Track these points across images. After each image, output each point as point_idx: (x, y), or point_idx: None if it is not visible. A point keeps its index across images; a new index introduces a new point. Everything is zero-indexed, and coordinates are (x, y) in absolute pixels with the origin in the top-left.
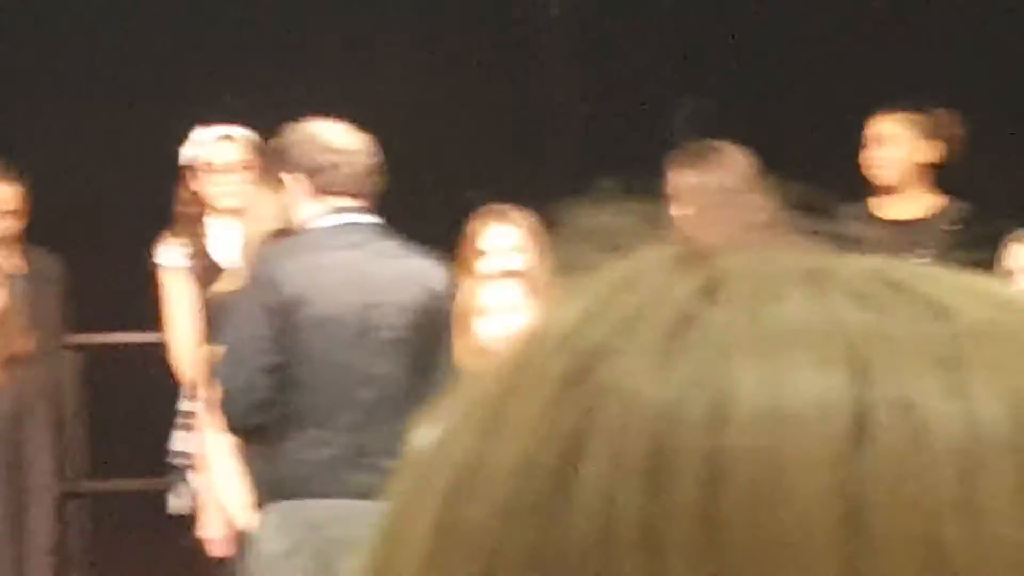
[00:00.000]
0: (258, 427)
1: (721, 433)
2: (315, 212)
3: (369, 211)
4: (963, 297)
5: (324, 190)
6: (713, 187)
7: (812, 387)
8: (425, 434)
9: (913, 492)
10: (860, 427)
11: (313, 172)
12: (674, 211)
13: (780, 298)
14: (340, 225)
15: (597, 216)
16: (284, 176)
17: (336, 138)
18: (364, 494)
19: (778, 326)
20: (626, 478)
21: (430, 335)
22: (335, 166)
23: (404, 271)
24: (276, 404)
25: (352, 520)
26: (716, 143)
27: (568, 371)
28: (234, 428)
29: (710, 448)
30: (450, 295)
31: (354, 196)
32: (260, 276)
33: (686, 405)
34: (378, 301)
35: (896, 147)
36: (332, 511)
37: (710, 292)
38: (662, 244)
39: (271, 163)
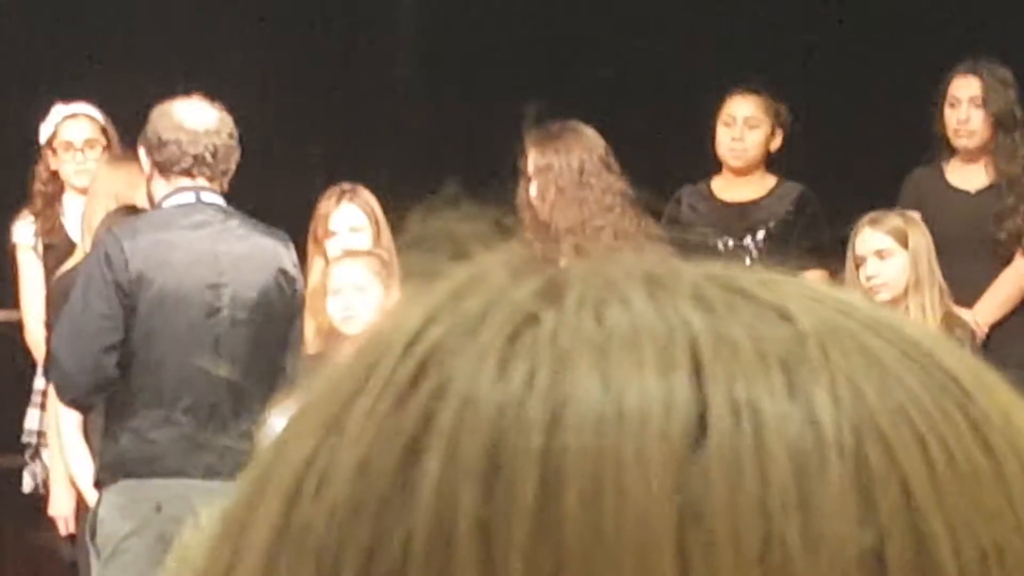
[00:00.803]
0: (97, 405)
1: (559, 433)
2: (164, 191)
3: (219, 190)
4: (803, 301)
5: (172, 169)
6: (568, 167)
7: (652, 388)
8: (272, 428)
9: (749, 492)
10: (699, 427)
11: (161, 150)
12: (531, 190)
13: (621, 301)
14: (187, 204)
15: (443, 221)
16: (140, 154)
17: (188, 117)
18: (207, 474)
19: (619, 328)
20: (464, 479)
21: (279, 315)
22: (183, 145)
23: (251, 250)
24: (115, 382)
25: (195, 500)
26: (572, 123)
27: (408, 373)
28: (73, 406)
29: (547, 448)
30: (299, 275)
31: (203, 176)
32: (104, 254)
33: (524, 405)
34: (224, 281)
35: (754, 130)
36: (175, 491)
37: (551, 295)
38: (506, 249)
39: (116, 140)
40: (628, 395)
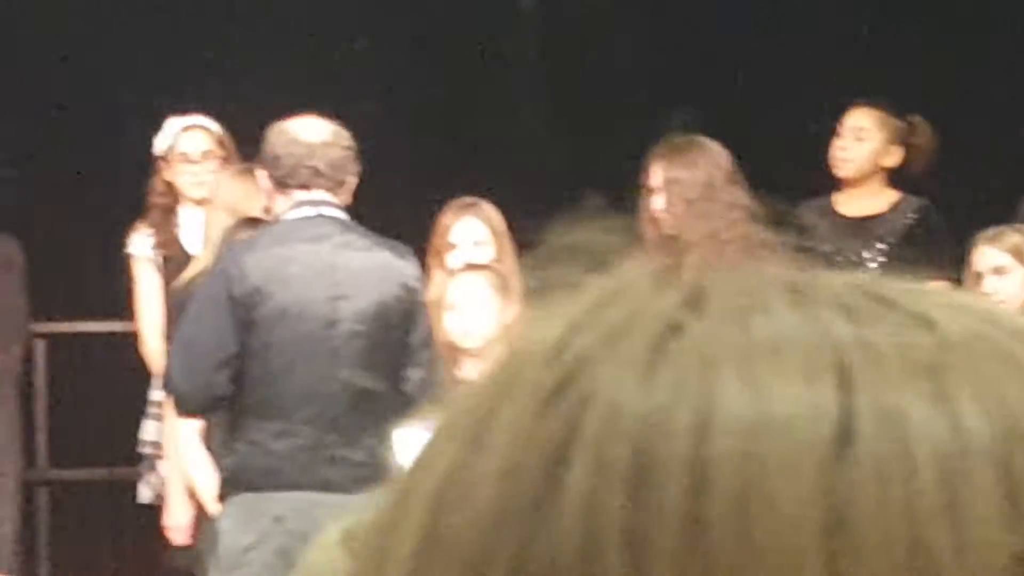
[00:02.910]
0: (212, 418)
1: (706, 440)
2: (283, 205)
3: (338, 204)
4: (946, 310)
5: (290, 183)
6: (695, 182)
7: (798, 395)
8: (408, 439)
9: (896, 498)
10: (844, 434)
11: (278, 166)
12: (655, 205)
13: (765, 310)
14: (306, 217)
15: (580, 233)
16: (258, 170)
17: (302, 131)
18: (327, 487)
19: (763, 336)
20: (611, 485)
21: (400, 328)
22: (299, 158)
23: (370, 263)
24: (231, 397)
25: (314, 513)
26: (697, 137)
27: (553, 382)
28: (188, 418)
29: (694, 455)
30: (422, 288)
31: (321, 188)
32: (223, 267)
33: (670, 413)
34: (343, 294)
35: (863, 142)
36: (295, 504)
37: (695, 304)
38: (644, 260)
39: (237, 153)
40: (774, 402)
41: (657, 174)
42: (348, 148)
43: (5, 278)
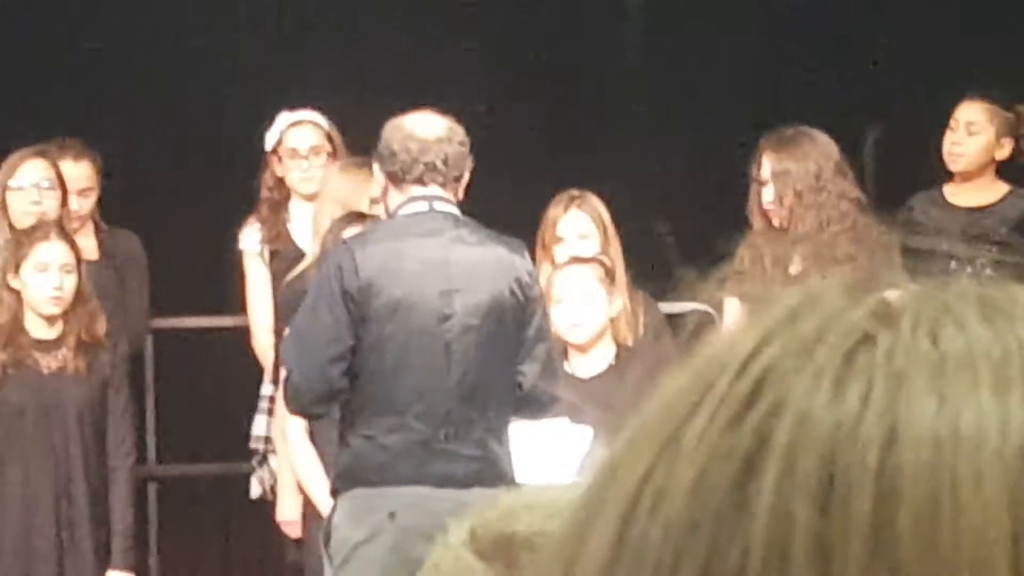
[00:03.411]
0: (326, 415)
1: (895, 451)
2: (397, 201)
3: (453, 198)
4: None
5: (404, 178)
6: (805, 172)
7: (987, 408)
8: (524, 434)
9: None
10: None
11: (393, 161)
12: (765, 195)
13: (956, 323)
14: (420, 213)
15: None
16: (373, 164)
17: (418, 127)
18: (440, 482)
19: (954, 349)
20: (800, 495)
21: (512, 322)
22: (413, 153)
23: (484, 258)
24: (344, 392)
25: (429, 509)
26: (806, 129)
27: (744, 392)
28: (302, 415)
29: (884, 465)
30: (535, 283)
31: (435, 184)
32: (336, 261)
33: (860, 423)
34: (455, 287)
35: (976, 136)
36: (408, 499)
37: (886, 316)
38: (839, 272)
39: (342, 147)
40: (964, 415)
41: (766, 165)
42: (462, 144)
43: (131, 274)
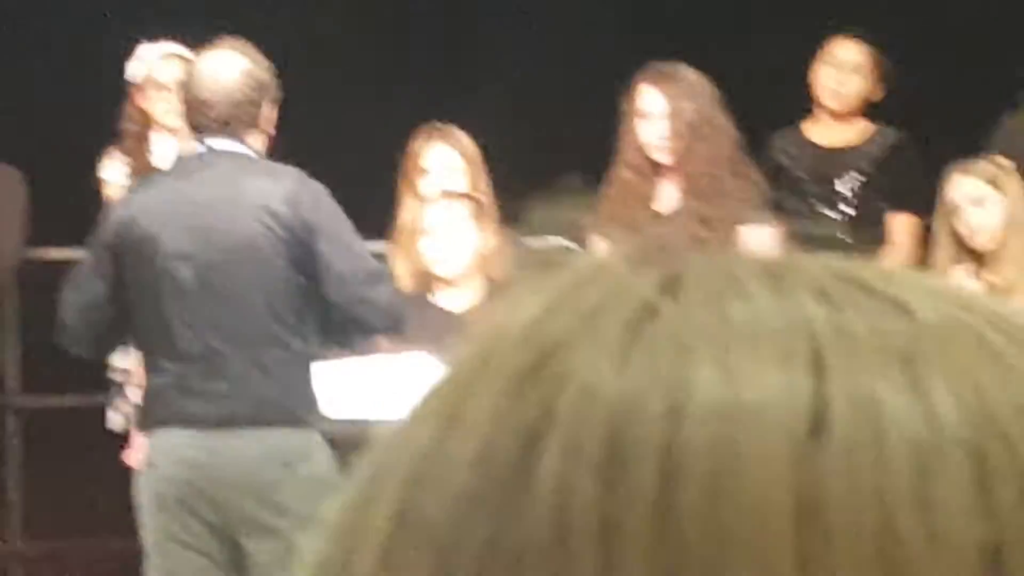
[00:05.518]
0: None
1: (679, 425)
2: (183, 141)
3: (237, 138)
4: (924, 296)
5: (188, 122)
6: (699, 108)
7: (772, 381)
8: (327, 373)
9: (869, 486)
10: (817, 421)
11: (181, 100)
12: (653, 131)
13: (741, 294)
14: (195, 155)
15: (556, 211)
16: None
17: (205, 71)
18: (192, 422)
19: (740, 321)
20: (583, 470)
21: (275, 254)
22: (193, 102)
23: (236, 193)
24: (116, 334)
25: (180, 455)
26: (680, 66)
27: (527, 364)
28: (81, 355)
29: (667, 440)
30: (304, 211)
31: (216, 128)
32: (111, 208)
33: (644, 397)
34: (200, 224)
35: (861, 77)
36: (163, 443)
37: (671, 287)
38: (626, 240)
39: None
40: (748, 388)
41: (656, 101)
42: (255, 86)
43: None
